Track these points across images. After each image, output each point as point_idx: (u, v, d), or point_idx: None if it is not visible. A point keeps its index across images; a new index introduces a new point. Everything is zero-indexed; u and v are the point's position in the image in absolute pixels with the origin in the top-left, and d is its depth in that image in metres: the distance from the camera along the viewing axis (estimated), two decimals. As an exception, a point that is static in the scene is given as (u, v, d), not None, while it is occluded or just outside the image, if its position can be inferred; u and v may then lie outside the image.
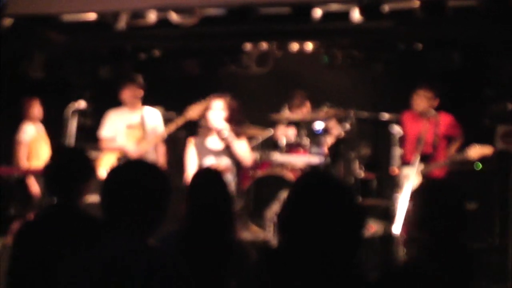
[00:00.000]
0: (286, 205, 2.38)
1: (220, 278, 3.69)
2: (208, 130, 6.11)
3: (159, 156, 6.87)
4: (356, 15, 5.20)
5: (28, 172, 7.23)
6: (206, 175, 4.11)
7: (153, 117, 6.96)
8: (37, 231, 3.63)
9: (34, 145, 7.49)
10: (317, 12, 5.26)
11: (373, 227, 6.81)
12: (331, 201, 2.25)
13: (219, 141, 6.09)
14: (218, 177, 4.04)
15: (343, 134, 7.33)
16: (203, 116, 6.18)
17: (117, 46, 7.76)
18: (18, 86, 7.76)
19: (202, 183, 3.95)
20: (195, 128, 6.43)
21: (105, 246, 2.58)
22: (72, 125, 6.62)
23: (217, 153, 6.07)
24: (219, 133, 6.00)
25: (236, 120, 6.11)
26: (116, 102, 6.87)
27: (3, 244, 6.29)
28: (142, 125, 6.86)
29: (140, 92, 6.86)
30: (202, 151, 6.10)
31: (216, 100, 6.05)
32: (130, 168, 2.75)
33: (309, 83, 8.16)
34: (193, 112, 6.43)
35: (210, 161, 5.97)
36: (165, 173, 2.74)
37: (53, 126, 7.37)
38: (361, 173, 7.32)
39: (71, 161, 3.78)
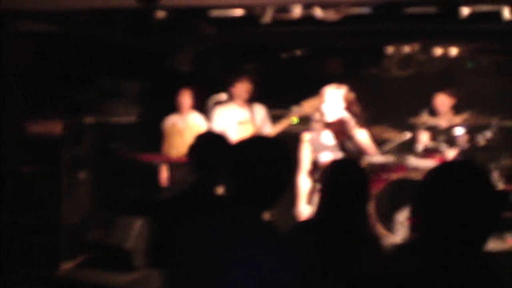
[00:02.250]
0: (425, 192, 2.35)
1: (353, 267, 3.68)
2: (324, 124, 6.01)
3: None
4: (506, 14, 5.01)
5: (166, 160, 7.55)
6: (344, 164, 4.09)
7: (261, 114, 7.04)
8: (178, 205, 3.84)
9: (177, 134, 7.79)
10: (465, 11, 5.12)
11: (511, 241, 6.55)
12: (472, 184, 2.22)
13: (334, 137, 5.95)
14: (356, 167, 4.00)
15: (483, 142, 7.09)
16: (317, 109, 6.07)
17: (261, 43, 7.95)
18: (167, 78, 8.16)
19: (340, 172, 3.92)
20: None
21: (223, 215, 2.64)
22: (213, 116, 6.89)
23: (333, 148, 5.97)
24: (336, 123, 5.86)
25: (355, 111, 5.98)
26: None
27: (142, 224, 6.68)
28: (252, 121, 6.93)
29: (252, 88, 6.95)
30: (318, 146, 6.02)
31: (333, 91, 5.94)
32: (254, 142, 2.77)
33: (451, 88, 7.95)
34: (307, 107, 6.40)
35: (326, 157, 5.84)
36: (288, 149, 2.74)
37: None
38: (500, 185, 7.04)
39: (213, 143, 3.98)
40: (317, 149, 6.00)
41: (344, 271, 3.61)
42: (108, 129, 7.98)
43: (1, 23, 5.95)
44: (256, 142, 2.79)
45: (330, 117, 5.92)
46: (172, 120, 7.84)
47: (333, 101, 5.88)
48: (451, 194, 2.24)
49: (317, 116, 6.05)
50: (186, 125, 7.75)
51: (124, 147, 8.04)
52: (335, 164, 4.07)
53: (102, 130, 7.82)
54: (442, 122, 7.25)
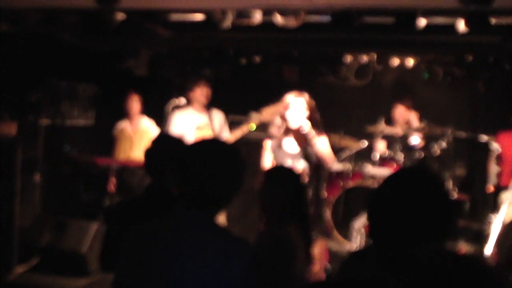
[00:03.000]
0: (379, 195, 2.36)
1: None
2: (285, 131, 6.06)
3: None
4: (461, 26, 5.10)
5: (119, 164, 7.49)
6: (281, 172, 4.08)
7: (219, 119, 7.04)
8: (131, 209, 3.80)
9: (127, 139, 7.75)
10: (421, 23, 5.19)
11: (464, 249, 6.65)
12: (427, 189, 2.24)
13: (297, 144, 6.02)
14: (292, 175, 4.00)
15: (438, 152, 7.20)
16: (280, 116, 6.10)
17: (220, 48, 7.94)
18: (122, 82, 8.09)
19: (276, 180, 3.92)
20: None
21: (173, 217, 2.65)
22: (171, 120, 6.84)
23: (294, 156, 6.02)
24: (299, 130, 5.90)
25: (316, 119, 6.04)
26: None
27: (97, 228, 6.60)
28: (211, 126, 6.93)
29: (209, 93, 6.95)
30: (279, 154, 6.06)
31: (296, 98, 5.98)
32: (205, 145, 2.79)
33: (408, 98, 8.07)
34: (267, 113, 6.46)
35: (287, 164, 5.88)
36: (239, 152, 2.76)
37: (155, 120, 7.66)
38: (454, 194, 7.16)
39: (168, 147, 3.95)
40: (278, 156, 6.02)
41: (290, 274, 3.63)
42: (62, 131, 7.88)
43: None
44: (207, 145, 2.80)
45: (294, 124, 5.95)
46: (122, 125, 7.82)
47: (297, 108, 5.91)
48: (403, 200, 2.25)
49: (278, 122, 6.08)
50: (136, 130, 7.74)
51: (78, 150, 7.94)
52: (269, 172, 4.07)
53: (56, 132, 7.71)
54: (398, 131, 7.35)
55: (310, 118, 5.95)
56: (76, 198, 7.59)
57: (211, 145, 2.80)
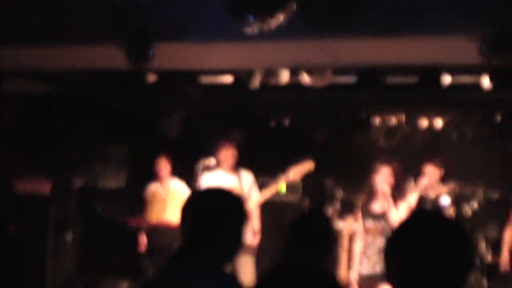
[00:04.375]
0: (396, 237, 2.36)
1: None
2: (374, 193, 6.15)
3: (253, 220, 6.80)
4: (486, 83, 5.17)
5: (151, 226, 7.55)
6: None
7: (248, 180, 7.05)
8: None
9: (160, 202, 7.82)
10: (446, 80, 5.28)
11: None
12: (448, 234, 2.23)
13: (381, 206, 6.09)
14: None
15: (469, 213, 7.15)
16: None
17: (249, 110, 8.08)
18: (153, 143, 8.26)
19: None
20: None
21: (181, 267, 2.69)
22: (200, 181, 6.91)
23: (376, 217, 6.08)
24: (384, 195, 6.00)
25: (399, 185, 6.13)
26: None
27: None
28: (240, 187, 6.92)
29: (235, 154, 7.00)
30: (365, 213, 6.16)
31: (384, 166, 6.09)
32: (210, 195, 2.86)
33: (438, 159, 8.06)
34: (294, 173, 6.56)
35: (369, 224, 6.06)
36: (242, 201, 2.81)
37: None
38: (487, 256, 7.06)
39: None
40: (363, 215, 6.19)
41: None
42: (94, 192, 8.01)
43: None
44: (215, 196, 2.85)
45: (381, 188, 6.04)
46: (153, 188, 7.86)
47: (384, 174, 6.01)
48: (419, 246, 2.24)
49: (368, 185, 6.20)
50: (167, 192, 7.77)
51: (110, 210, 8.05)
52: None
53: (89, 193, 7.84)
54: (429, 191, 7.31)
55: (394, 184, 6.04)
56: (107, 258, 7.65)
57: (215, 195, 2.86)
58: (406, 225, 2.36)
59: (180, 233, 2.75)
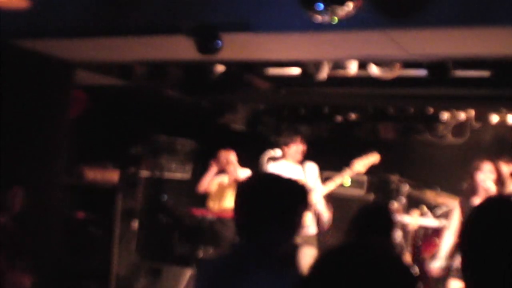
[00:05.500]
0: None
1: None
2: (476, 190, 6.06)
3: (317, 211, 6.83)
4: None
5: (216, 215, 7.63)
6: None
7: (313, 172, 7.04)
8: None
9: (223, 192, 7.90)
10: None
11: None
12: None
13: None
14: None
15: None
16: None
17: (315, 105, 8.04)
18: (219, 137, 8.32)
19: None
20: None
21: (237, 248, 2.73)
22: (266, 171, 6.93)
23: None
24: (487, 192, 5.92)
25: (501, 182, 6.04)
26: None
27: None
28: (304, 179, 6.94)
29: (305, 149, 6.99)
30: (465, 209, 6.08)
31: (487, 163, 5.99)
32: (267, 179, 2.88)
33: (507, 155, 7.84)
34: (359, 165, 6.55)
35: None
36: (302, 186, 2.79)
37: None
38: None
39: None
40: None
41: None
42: (160, 183, 8.14)
43: (65, 73, 6.21)
44: (266, 179, 2.90)
45: (485, 185, 5.96)
46: (218, 179, 7.96)
47: (487, 172, 5.94)
48: (498, 233, 2.14)
49: (469, 181, 6.12)
50: (232, 183, 7.86)
51: (175, 201, 8.17)
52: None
53: (154, 184, 7.97)
54: (494, 188, 7.12)
55: (497, 182, 5.95)
56: (171, 246, 7.77)
57: (270, 179, 2.85)
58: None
59: (237, 214, 2.74)
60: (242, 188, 2.81)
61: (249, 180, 2.94)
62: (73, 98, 6.34)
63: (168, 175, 8.38)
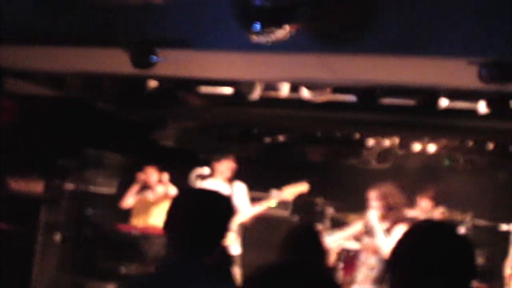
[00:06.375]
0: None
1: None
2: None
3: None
4: (482, 109, 5.25)
5: (141, 232, 7.57)
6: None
7: (241, 192, 7.15)
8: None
9: (144, 208, 7.86)
10: (443, 103, 5.36)
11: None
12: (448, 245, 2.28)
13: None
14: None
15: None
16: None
17: (246, 125, 8.13)
18: (147, 152, 8.30)
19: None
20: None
21: (172, 264, 2.76)
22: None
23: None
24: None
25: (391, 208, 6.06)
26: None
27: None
28: (232, 198, 7.01)
29: (234, 167, 7.09)
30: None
31: (374, 190, 6.06)
32: (196, 193, 3.01)
33: (428, 183, 8.14)
34: (288, 193, 6.73)
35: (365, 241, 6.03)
36: (228, 200, 2.90)
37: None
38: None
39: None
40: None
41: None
42: (86, 196, 8.03)
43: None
44: (197, 193, 3.01)
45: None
46: (141, 195, 7.92)
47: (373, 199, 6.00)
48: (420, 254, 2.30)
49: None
50: (155, 199, 7.84)
51: (100, 216, 8.07)
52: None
53: (80, 197, 7.86)
54: (420, 214, 7.37)
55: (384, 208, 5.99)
56: (94, 262, 7.66)
57: (202, 194, 2.96)
58: (415, 234, 2.42)
59: (167, 230, 2.80)
60: (176, 203, 2.86)
61: (183, 195, 3.01)
62: (1, 106, 6.22)
63: (94, 188, 8.27)
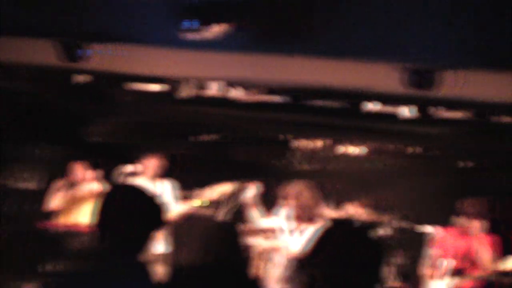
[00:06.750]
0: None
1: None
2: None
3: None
4: (404, 113, 5.43)
5: (66, 228, 7.43)
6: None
7: (170, 190, 7.13)
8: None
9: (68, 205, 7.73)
10: (367, 107, 5.52)
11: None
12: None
13: None
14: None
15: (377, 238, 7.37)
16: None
17: (174, 122, 8.10)
18: (75, 147, 8.15)
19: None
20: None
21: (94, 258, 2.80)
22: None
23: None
24: None
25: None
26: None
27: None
28: (161, 196, 6.99)
29: (159, 164, 7.08)
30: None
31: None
32: (125, 190, 3.00)
33: (353, 185, 8.30)
34: (218, 193, 6.71)
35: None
36: (155, 197, 2.91)
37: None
38: (389, 282, 7.29)
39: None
40: None
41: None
42: (5, 191, 7.82)
43: None
44: (124, 190, 3.01)
45: None
46: (67, 193, 7.77)
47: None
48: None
49: None
50: (80, 195, 7.71)
51: (19, 211, 7.87)
52: None
53: (4, 193, 7.65)
54: (343, 216, 7.50)
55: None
56: (11, 259, 7.44)
57: (130, 191, 2.96)
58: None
59: (97, 227, 2.81)
60: (106, 200, 2.87)
61: (113, 192, 3.01)
62: None
63: (14, 183, 8.06)
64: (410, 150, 7.96)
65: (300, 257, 4.63)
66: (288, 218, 5.88)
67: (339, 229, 2.52)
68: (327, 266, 2.38)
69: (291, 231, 5.83)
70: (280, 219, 5.90)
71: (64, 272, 2.88)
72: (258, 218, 6.32)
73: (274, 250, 6.03)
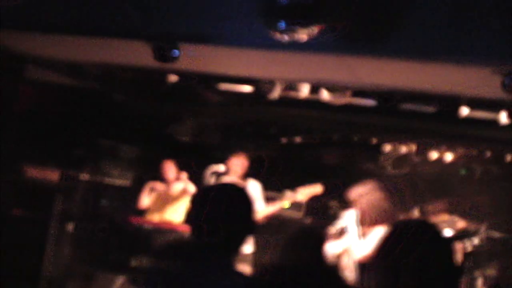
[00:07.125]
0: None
1: None
2: None
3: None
4: (503, 119, 5.20)
5: (156, 225, 7.58)
6: None
7: (255, 190, 7.11)
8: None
9: (159, 203, 7.85)
10: (464, 112, 5.32)
11: None
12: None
13: None
14: None
15: (469, 248, 7.15)
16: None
17: (263, 124, 8.12)
18: (164, 146, 8.31)
19: None
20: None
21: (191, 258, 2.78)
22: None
23: None
24: None
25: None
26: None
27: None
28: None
29: (247, 164, 7.07)
30: None
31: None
32: (221, 189, 2.99)
33: (443, 191, 8.08)
34: (302, 194, 6.68)
35: None
36: (250, 198, 2.89)
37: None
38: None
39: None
40: None
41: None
42: (100, 188, 8.05)
43: (15, 67, 6.11)
44: (220, 188, 3.01)
45: None
46: (157, 190, 7.90)
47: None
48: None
49: None
50: (171, 194, 7.82)
51: (113, 207, 8.09)
52: None
53: (94, 188, 7.88)
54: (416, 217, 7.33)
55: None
56: (105, 252, 7.67)
57: (224, 188, 2.98)
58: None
59: (192, 225, 2.80)
60: (200, 199, 2.88)
61: (206, 190, 3.02)
62: (20, 93, 6.25)
63: (108, 180, 8.30)
64: (505, 157, 7.67)
65: (367, 260, 4.50)
66: (356, 220, 5.75)
67: (409, 232, 2.42)
68: (394, 271, 2.30)
69: (359, 234, 5.70)
70: (349, 221, 5.77)
71: (154, 269, 2.88)
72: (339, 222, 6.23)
73: (343, 253, 5.93)
